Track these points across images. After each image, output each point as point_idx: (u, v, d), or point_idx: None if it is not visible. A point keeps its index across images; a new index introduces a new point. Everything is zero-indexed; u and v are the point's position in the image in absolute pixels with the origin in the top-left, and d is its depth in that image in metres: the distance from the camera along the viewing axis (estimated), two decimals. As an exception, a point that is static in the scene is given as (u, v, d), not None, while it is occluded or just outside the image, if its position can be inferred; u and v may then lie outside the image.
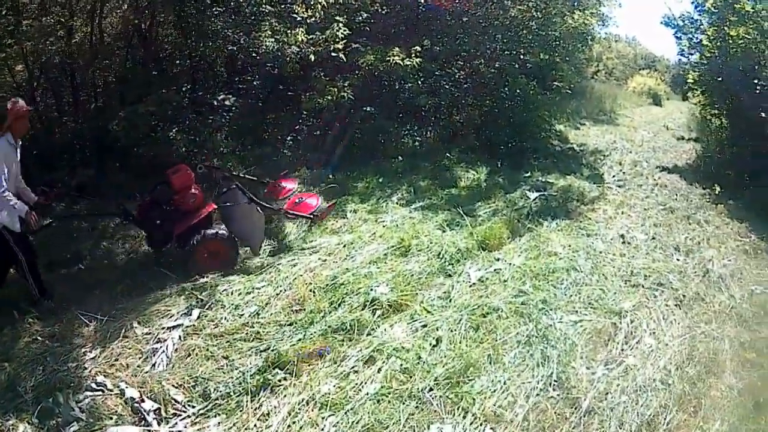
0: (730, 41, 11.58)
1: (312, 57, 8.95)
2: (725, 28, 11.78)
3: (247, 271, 6.14)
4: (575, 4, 16.19)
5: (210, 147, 8.45)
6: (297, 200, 6.76)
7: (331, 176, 9.40)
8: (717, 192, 11.18)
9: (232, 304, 5.30)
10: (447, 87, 11.96)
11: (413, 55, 10.11)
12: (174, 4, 8.45)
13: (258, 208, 6.11)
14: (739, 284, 7.13)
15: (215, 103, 8.95)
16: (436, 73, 11.95)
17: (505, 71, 12.69)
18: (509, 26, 12.80)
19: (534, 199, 9.55)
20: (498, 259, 6.77)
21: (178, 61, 9.83)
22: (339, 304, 5.34)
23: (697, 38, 13.81)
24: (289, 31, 8.82)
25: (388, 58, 9.78)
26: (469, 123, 13.13)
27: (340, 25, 9.26)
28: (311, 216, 6.65)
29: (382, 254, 6.40)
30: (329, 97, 9.49)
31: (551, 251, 7.25)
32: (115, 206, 6.16)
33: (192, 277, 5.82)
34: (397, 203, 8.61)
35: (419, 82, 11.27)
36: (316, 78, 9.85)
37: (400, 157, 10.88)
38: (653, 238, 8.33)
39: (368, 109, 10.99)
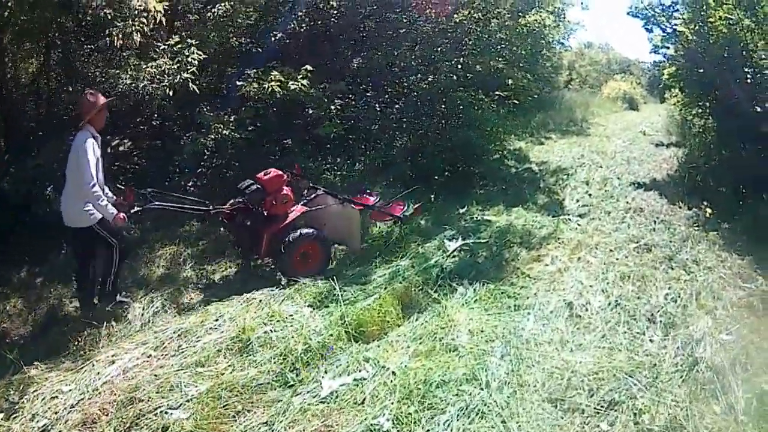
0: (710, 24, 9.73)
1: (194, 88, 7.51)
2: (703, 10, 10.03)
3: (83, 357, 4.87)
4: (527, 3, 14.68)
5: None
6: (386, 204, 7.31)
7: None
8: (708, 213, 8.66)
9: (30, 413, 4.17)
10: (373, 109, 10.54)
11: (301, 76, 8.57)
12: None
13: (352, 207, 6.45)
14: (744, 381, 4.40)
15: (108, 150, 7.85)
16: (350, 96, 10.41)
17: (441, 84, 10.67)
18: (448, 32, 11.14)
19: (452, 252, 7.02)
20: (367, 360, 4.63)
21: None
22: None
23: (671, 27, 11.65)
24: (142, 63, 7.49)
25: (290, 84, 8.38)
26: (402, 149, 10.89)
27: (193, 49, 7.71)
28: (401, 216, 7.14)
29: (215, 351, 4.76)
30: (212, 136, 8.10)
31: (451, 343, 4.94)
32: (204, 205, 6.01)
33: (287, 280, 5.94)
34: (273, 267, 6.83)
35: (331, 108, 9.48)
36: (200, 113, 8.29)
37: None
38: (616, 304, 5.76)
39: (286, 142, 9.64)
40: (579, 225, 8.43)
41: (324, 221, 6.39)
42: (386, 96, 10.72)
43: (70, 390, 4.55)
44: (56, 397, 4.47)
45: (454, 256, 6.90)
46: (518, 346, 4.90)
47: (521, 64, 15.10)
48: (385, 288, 5.81)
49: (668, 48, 12.68)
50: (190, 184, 8.67)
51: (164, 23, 7.05)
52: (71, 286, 6.07)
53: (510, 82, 14.08)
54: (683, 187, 10.19)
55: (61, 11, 6.94)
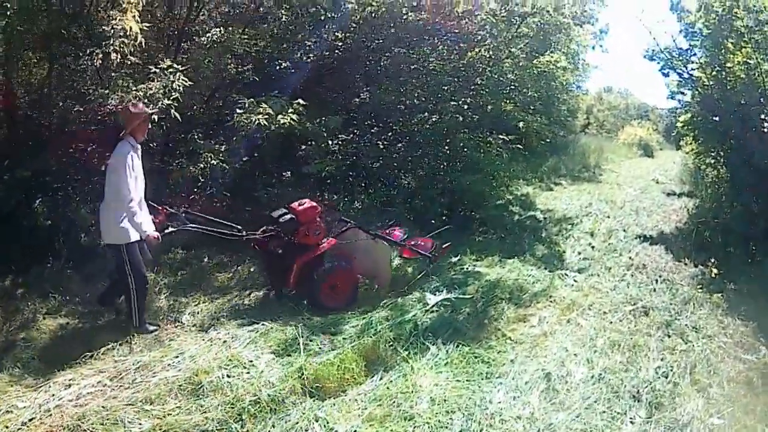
0: (728, 69, 9.20)
1: (175, 115, 6.96)
2: (721, 54, 9.38)
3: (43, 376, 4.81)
4: (542, 44, 14.15)
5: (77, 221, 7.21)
6: (413, 242, 7.10)
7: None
8: (713, 273, 8.06)
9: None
10: (375, 147, 9.90)
11: (291, 110, 8.08)
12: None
13: (383, 242, 6.48)
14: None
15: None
16: (354, 132, 9.97)
17: (445, 125, 10.17)
18: (459, 70, 10.61)
19: (432, 306, 6.44)
20: (318, 419, 4.24)
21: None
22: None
23: (688, 72, 10.99)
24: (131, 86, 6.93)
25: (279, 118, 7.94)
26: (404, 190, 10.33)
27: (179, 75, 7.15)
28: (430, 255, 6.98)
29: (167, 389, 4.51)
30: (201, 165, 7.68)
31: (410, 410, 4.44)
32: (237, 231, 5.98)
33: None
34: (248, 305, 6.55)
35: (328, 143, 9.21)
36: (191, 140, 8.08)
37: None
38: (600, 378, 5.14)
39: (285, 175, 9.34)
40: (576, 281, 7.88)
41: (354, 255, 6.38)
42: (390, 134, 10.15)
43: (24, 407, 4.51)
44: (11, 411, 4.45)
45: (433, 311, 6.36)
46: (480, 421, 4.36)
47: (533, 107, 14.91)
48: (355, 340, 5.43)
49: (684, 94, 12.08)
50: (182, 210, 8.36)
51: (144, 44, 6.92)
52: (49, 301, 6.11)
53: (521, 124, 14.06)
54: (691, 242, 9.60)
55: (63, 22, 6.86)
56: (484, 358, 5.46)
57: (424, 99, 10.09)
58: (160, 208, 5.40)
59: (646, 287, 7.70)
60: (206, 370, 4.67)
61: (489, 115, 11.33)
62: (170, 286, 6.68)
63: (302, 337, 5.30)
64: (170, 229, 5.34)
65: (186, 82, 7.21)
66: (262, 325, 5.67)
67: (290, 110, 8.05)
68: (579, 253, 9.43)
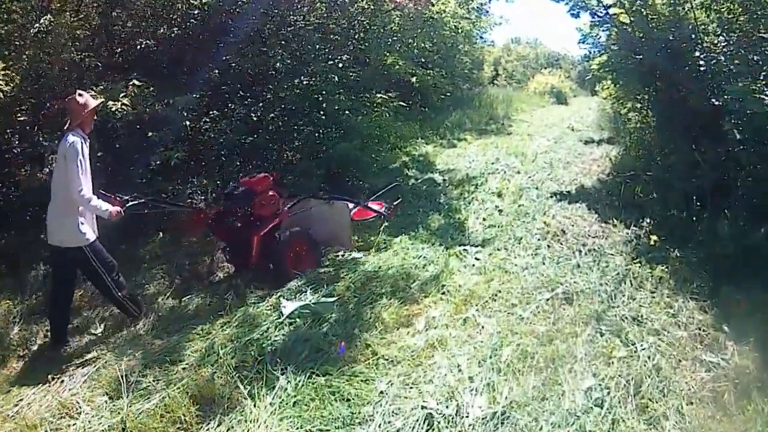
0: (650, 4, 8.41)
1: None
2: None
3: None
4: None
5: None
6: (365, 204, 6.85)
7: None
8: (652, 239, 6.60)
9: None
10: (245, 123, 8.24)
11: (122, 94, 6.60)
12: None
13: (339, 205, 6.36)
14: None
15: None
16: (213, 110, 8.28)
17: (315, 89, 8.81)
18: (328, 26, 9.35)
19: (287, 317, 4.85)
20: None
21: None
22: None
23: (603, 9, 9.44)
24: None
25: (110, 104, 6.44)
26: (279, 166, 8.68)
27: None
28: (384, 212, 6.83)
29: None
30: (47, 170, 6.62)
31: None
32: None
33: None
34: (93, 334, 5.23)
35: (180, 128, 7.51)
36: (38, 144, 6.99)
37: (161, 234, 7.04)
38: (504, 417, 3.54)
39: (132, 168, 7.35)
40: (477, 260, 6.32)
41: (310, 222, 6.27)
42: (261, 105, 8.65)
43: None
44: None
45: (290, 322, 4.78)
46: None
47: (425, 60, 14.30)
48: (194, 371, 4.18)
49: (598, 36, 10.96)
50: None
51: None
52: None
53: (414, 80, 12.86)
54: (618, 198, 8.19)
55: None
56: (343, 393, 3.85)
57: (291, 62, 8.73)
58: (111, 196, 4.88)
59: (566, 262, 6.16)
60: (34, 424, 3.77)
61: (370, 73, 10.14)
62: (23, 313, 5.36)
63: (133, 374, 4.15)
64: (131, 202, 4.99)
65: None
66: (102, 355, 4.61)
67: (122, 95, 6.60)
68: (483, 220, 7.89)
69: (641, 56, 8.54)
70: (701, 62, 7.41)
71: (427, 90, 15.26)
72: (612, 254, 6.33)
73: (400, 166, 10.70)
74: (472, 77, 21.23)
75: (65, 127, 4.60)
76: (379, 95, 10.02)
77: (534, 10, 72.95)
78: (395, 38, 10.52)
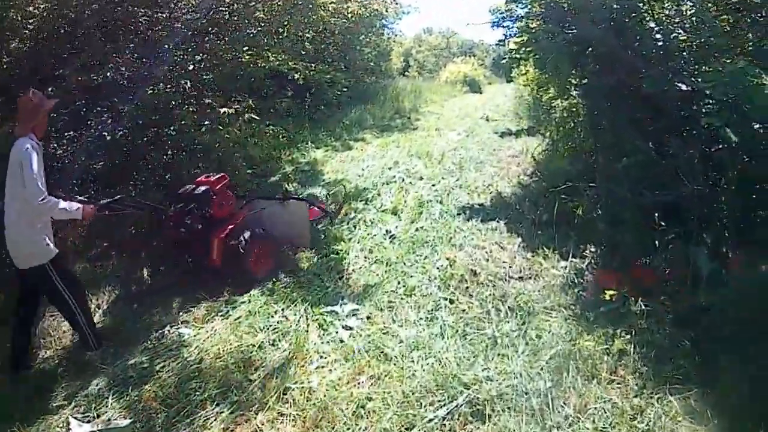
0: None
1: None
2: None
3: None
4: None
5: None
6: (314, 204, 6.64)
7: None
8: (601, 286, 4.52)
9: None
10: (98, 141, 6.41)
11: None
12: None
13: (295, 204, 6.15)
14: None
15: None
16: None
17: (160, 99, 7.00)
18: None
19: None
20: None
21: None
22: None
23: None
24: None
25: None
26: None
27: None
28: (329, 212, 6.73)
29: None
30: None
31: None
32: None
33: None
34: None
35: None
36: None
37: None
38: None
39: None
40: (348, 330, 4.34)
41: (266, 223, 5.89)
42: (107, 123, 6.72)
43: None
44: None
45: None
46: None
47: (317, 52, 13.15)
48: None
49: (516, 12, 8.85)
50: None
51: None
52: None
53: (297, 76, 11.27)
54: (547, 210, 6.15)
55: None
56: None
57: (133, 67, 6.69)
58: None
59: (476, 335, 4.13)
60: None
61: (227, 74, 8.20)
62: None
63: None
64: (104, 201, 4.60)
65: None
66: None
67: None
68: (369, 254, 5.85)
69: (573, 30, 6.44)
70: (658, 35, 5.47)
71: (321, 86, 13.62)
72: (546, 313, 4.31)
73: (279, 179, 8.66)
74: (377, 69, 19.26)
75: (14, 131, 4.06)
76: (230, 104, 8.18)
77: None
78: (260, 28, 8.28)
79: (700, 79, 4.71)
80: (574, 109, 7.96)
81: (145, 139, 6.88)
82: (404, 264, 5.37)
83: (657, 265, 4.60)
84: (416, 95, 18.75)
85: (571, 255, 5.07)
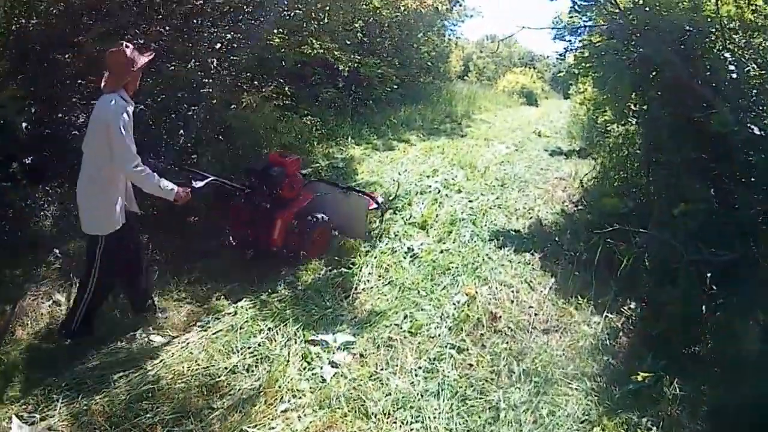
0: None
1: None
2: None
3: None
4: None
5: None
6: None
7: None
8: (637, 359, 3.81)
9: None
10: None
11: None
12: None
13: (356, 196, 6.01)
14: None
15: None
16: None
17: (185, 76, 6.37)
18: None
19: None
20: None
21: None
22: None
23: None
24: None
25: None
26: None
27: None
28: (381, 206, 6.27)
29: None
30: None
31: None
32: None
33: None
34: None
35: None
36: None
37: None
38: None
39: None
40: (334, 367, 3.75)
41: (326, 209, 5.77)
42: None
43: None
44: None
45: None
46: None
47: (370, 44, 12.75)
48: None
49: (580, 25, 8.34)
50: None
51: None
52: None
53: (341, 68, 10.38)
54: (588, 247, 5.41)
55: None
56: None
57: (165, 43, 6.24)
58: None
59: (479, 401, 3.46)
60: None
61: (257, 57, 7.70)
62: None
63: None
64: (199, 184, 4.28)
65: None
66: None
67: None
68: (384, 273, 5.18)
69: (638, 49, 5.74)
70: (732, 66, 4.66)
71: (372, 80, 12.96)
72: (566, 383, 3.59)
73: (310, 173, 7.92)
74: (434, 70, 18.53)
75: (104, 84, 3.69)
76: (260, 88, 7.68)
77: (514, 7, 70.68)
78: (297, 11, 7.83)
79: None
80: (631, 137, 7.23)
81: (171, 116, 6.43)
82: (419, 292, 4.71)
83: (699, 337, 3.86)
84: (470, 101, 18.15)
85: (607, 309, 4.34)
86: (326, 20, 8.44)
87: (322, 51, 9.17)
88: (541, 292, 4.76)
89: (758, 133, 4.15)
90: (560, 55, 11.18)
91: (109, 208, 3.71)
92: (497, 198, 7.50)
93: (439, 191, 7.63)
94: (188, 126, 6.42)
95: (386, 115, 12.95)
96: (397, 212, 6.68)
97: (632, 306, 4.38)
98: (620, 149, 7.66)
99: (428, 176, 8.42)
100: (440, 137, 12.33)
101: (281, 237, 5.36)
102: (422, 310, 4.42)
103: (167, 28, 6.07)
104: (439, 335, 4.05)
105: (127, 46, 3.68)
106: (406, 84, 15.10)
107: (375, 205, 6.09)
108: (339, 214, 5.85)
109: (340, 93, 11.79)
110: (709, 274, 3.88)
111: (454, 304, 4.47)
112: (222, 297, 4.57)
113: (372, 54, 12.84)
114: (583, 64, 7.42)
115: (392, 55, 14.28)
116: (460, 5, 20.62)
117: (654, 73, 5.65)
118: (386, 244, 5.79)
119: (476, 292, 4.59)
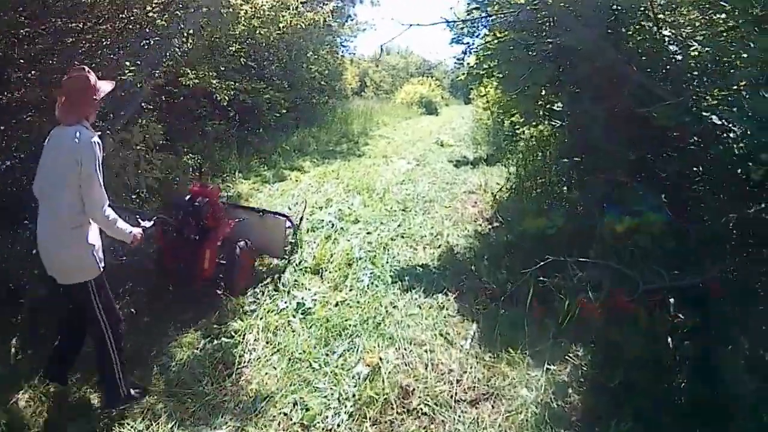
0: None
1: None
2: None
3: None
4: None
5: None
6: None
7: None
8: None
9: None
10: None
11: None
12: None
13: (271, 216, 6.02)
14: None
15: None
16: None
17: None
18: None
19: None
20: None
21: None
22: None
23: None
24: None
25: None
26: None
27: None
28: (294, 224, 6.31)
29: None
30: None
31: None
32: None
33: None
34: None
35: None
36: None
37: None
38: None
39: None
40: None
41: (247, 234, 5.64)
42: None
43: None
44: None
45: None
46: None
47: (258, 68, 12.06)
48: None
49: (476, 25, 7.97)
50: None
51: None
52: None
53: (217, 97, 9.29)
54: (510, 273, 4.78)
55: None
56: None
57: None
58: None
59: None
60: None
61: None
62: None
63: None
64: (148, 223, 4.00)
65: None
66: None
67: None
68: (267, 344, 4.31)
69: (556, 39, 5.09)
70: (673, 47, 4.10)
71: (259, 107, 12.31)
72: None
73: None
74: (328, 89, 17.99)
75: (62, 114, 3.35)
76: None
77: (406, 18, 71.13)
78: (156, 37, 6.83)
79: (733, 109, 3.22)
80: (545, 139, 6.53)
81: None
82: (311, 364, 3.89)
83: (671, 381, 3.06)
84: (367, 117, 17.67)
85: (547, 359, 3.50)
86: (190, 46, 7.46)
87: (197, 81, 8.33)
88: (462, 347, 3.96)
89: (718, 122, 3.41)
90: (458, 59, 10.48)
91: (93, 248, 3.40)
92: (399, 226, 6.79)
93: (333, 225, 6.87)
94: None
95: (278, 143, 12.20)
96: (285, 256, 5.80)
97: (579, 352, 3.58)
98: (534, 153, 6.96)
99: (321, 208, 7.64)
100: (335, 160, 11.63)
101: (211, 267, 5.17)
102: (316, 389, 3.61)
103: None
104: (338, 427, 3.12)
105: (89, 72, 3.41)
106: (299, 106, 14.55)
107: (289, 224, 6.01)
108: (259, 236, 5.75)
109: (227, 124, 11.00)
110: (672, 300, 3.10)
111: (354, 377, 3.60)
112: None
113: (260, 78, 12.17)
114: (488, 63, 6.81)
115: (281, 78, 13.60)
116: (352, 20, 20.29)
117: (575, 65, 4.91)
118: (273, 299, 5.00)
119: (380, 360, 3.72)
